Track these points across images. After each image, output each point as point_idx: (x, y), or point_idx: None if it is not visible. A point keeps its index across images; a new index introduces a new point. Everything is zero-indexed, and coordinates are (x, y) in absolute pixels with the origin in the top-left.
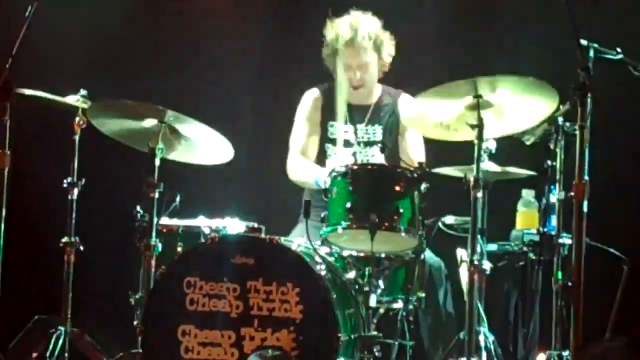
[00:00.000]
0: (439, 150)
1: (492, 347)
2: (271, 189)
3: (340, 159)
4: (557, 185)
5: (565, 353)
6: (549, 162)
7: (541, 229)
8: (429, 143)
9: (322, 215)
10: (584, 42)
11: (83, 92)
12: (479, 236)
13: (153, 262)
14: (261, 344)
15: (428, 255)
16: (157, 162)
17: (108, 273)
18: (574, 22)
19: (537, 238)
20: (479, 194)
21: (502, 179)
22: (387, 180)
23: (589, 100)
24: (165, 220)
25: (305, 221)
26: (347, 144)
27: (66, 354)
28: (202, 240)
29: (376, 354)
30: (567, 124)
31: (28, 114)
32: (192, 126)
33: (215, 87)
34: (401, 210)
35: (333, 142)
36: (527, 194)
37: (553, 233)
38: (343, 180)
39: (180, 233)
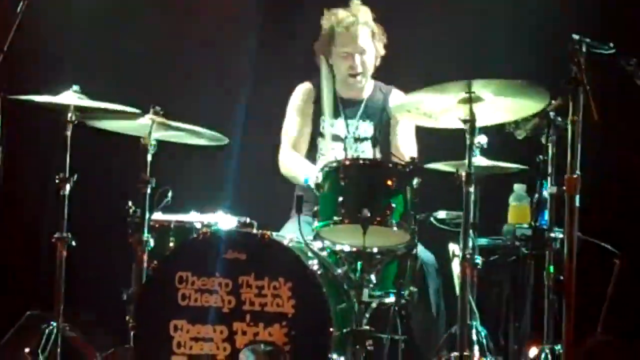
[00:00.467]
0: (430, 145)
1: (484, 341)
2: (263, 184)
3: (333, 154)
4: (548, 179)
5: (557, 347)
6: (541, 157)
7: (533, 223)
8: (421, 138)
9: (314, 210)
10: (576, 36)
11: (75, 87)
12: (470, 231)
13: (145, 258)
14: (253, 338)
15: (420, 250)
16: (150, 157)
17: (100, 268)
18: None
19: (529, 232)
20: (471, 189)
21: (494, 173)
22: (379, 175)
23: (580, 94)
24: (157, 216)
25: (297, 216)
26: (336, 138)
27: (58, 350)
28: (194, 235)
29: (368, 348)
30: (559, 118)
31: (19, 110)
32: (183, 125)
33: (208, 81)
34: (393, 205)
35: (324, 136)
36: (519, 188)
37: (545, 227)
38: (335, 175)
39: (172, 228)
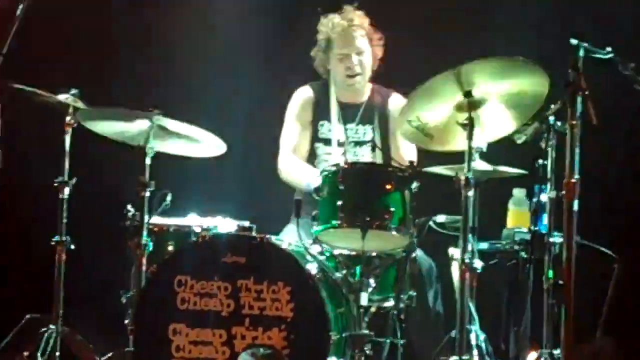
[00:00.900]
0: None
1: (483, 346)
2: (262, 188)
3: (334, 159)
4: (548, 184)
5: (557, 351)
6: (540, 161)
7: (532, 227)
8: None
9: (313, 213)
10: (574, 41)
11: (74, 91)
12: (470, 235)
13: (144, 261)
14: (252, 342)
15: (419, 254)
16: (148, 161)
17: (99, 272)
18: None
19: (528, 237)
20: (470, 193)
21: (493, 177)
22: (378, 179)
23: (579, 99)
24: (156, 219)
25: (297, 220)
26: (337, 143)
27: (57, 353)
28: (193, 239)
29: (367, 352)
30: (558, 122)
31: (19, 113)
32: (182, 125)
33: (208, 85)
34: (392, 209)
35: (323, 141)
36: (518, 192)
37: (544, 232)
38: (334, 179)
39: (171, 232)
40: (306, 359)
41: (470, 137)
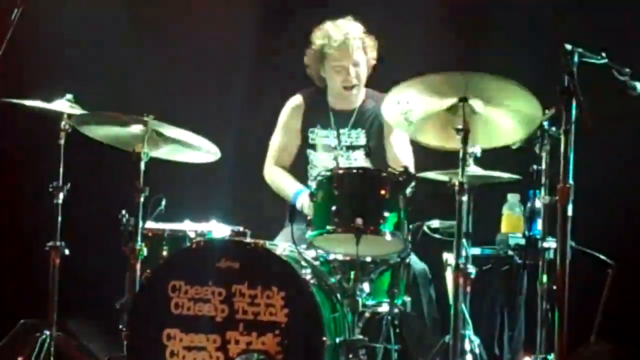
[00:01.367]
0: (424, 154)
1: (477, 351)
2: (257, 193)
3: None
4: (542, 189)
5: (550, 356)
6: (534, 166)
7: (526, 233)
8: (415, 146)
9: (307, 219)
10: (568, 46)
11: (69, 96)
12: (464, 240)
13: (138, 266)
14: (246, 347)
15: (412, 259)
16: (143, 166)
17: (94, 277)
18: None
19: (522, 242)
20: (464, 198)
21: (488, 183)
22: (372, 184)
23: (573, 104)
24: (150, 225)
25: (291, 225)
26: (328, 148)
27: (52, 358)
28: (188, 244)
29: (361, 358)
30: (552, 128)
31: (13, 117)
32: (177, 131)
33: (202, 90)
34: (386, 214)
35: (314, 147)
36: (513, 197)
37: (538, 237)
38: (328, 184)
39: (165, 237)
40: None
41: (464, 143)
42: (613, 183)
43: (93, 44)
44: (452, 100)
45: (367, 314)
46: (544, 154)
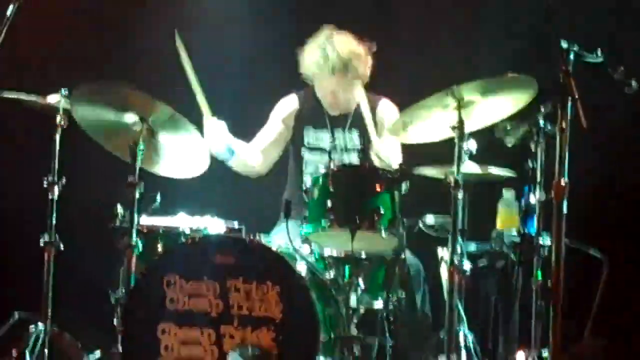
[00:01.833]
0: (419, 151)
1: (471, 346)
2: (252, 188)
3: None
4: (537, 186)
5: (545, 352)
6: (530, 164)
7: (521, 229)
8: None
9: (302, 214)
10: (564, 44)
11: (64, 91)
12: (459, 236)
13: (133, 261)
14: (241, 342)
15: (407, 255)
16: (138, 162)
17: (88, 272)
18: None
19: (517, 238)
20: (460, 195)
21: (483, 180)
22: (367, 181)
23: (568, 102)
24: (145, 220)
25: (286, 221)
26: (321, 149)
27: (46, 352)
28: (183, 239)
29: (356, 353)
30: (548, 125)
31: (7, 112)
32: (173, 129)
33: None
34: (382, 211)
35: (309, 148)
36: (508, 194)
37: (533, 234)
38: (324, 180)
39: (160, 232)
40: None
41: (460, 139)
42: (605, 178)
43: (89, 39)
44: (448, 101)
45: (361, 310)
46: (539, 151)
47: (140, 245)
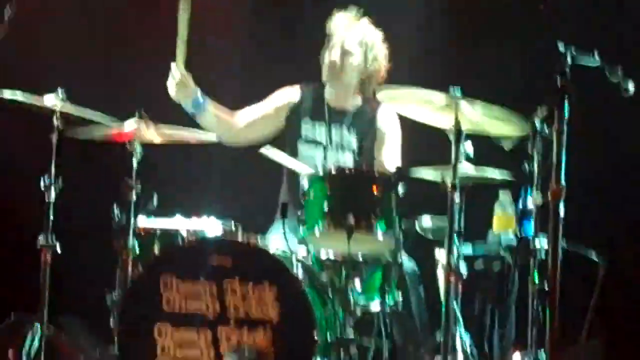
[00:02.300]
0: (415, 152)
1: (468, 348)
2: (249, 188)
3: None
4: (534, 188)
5: (541, 354)
6: (526, 166)
7: (518, 232)
8: (407, 141)
9: (299, 216)
10: (561, 46)
11: (61, 92)
12: (455, 238)
13: (130, 263)
14: (238, 343)
15: (403, 258)
16: (135, 162)
17: (85, 273)
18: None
19: (514, 241)
20: (456, 197)
21: (480, 182)
22: (364, 183)
23: (566, 104)
24: (142, 221)
25: (282, 222)
26: (316, 143)
27: (42, 353)
28: (179, 240)
29: (353, 355)
30: (545, 128)
31: (4, 114)
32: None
33: (196, 84)
34: (378, 212)
35: (305, 140)
36: (504, 195)
37: (530, 237)
38: (320, 182)
39: (157, 234)
40: None
41: (457, 143)
42: (602, 181)
43: (86, 39)
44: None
45: (358, 312)
46: (535, 154)
47: (136, 246)
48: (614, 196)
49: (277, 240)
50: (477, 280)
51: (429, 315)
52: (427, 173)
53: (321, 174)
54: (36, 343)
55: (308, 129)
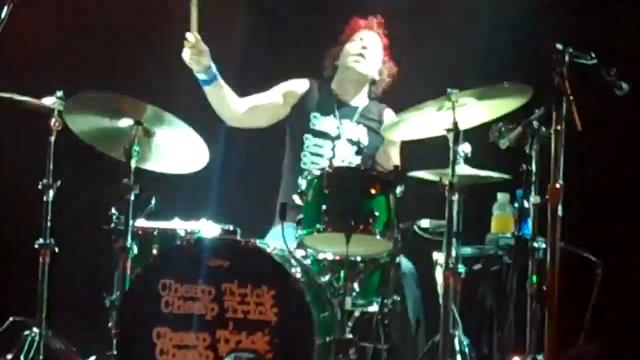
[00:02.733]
0: (414, 154)
1: (466, 351)
2: (247, 190)
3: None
4: (532, 189)
5: (540, 356)
6: (524, 166)
7: (516, 233)
8: (406, 146)
9: (297, 217)
10: (559, 46)
11: (59, 93)
12: (454, 240)
13: (128, 264)
14: (236, 346)
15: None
16: (133, 164)
17: (83, 275)
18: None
19: (512, 242)
20: (454, 198)
21: (478, 183)
22: (362, 184)
23: (563, 104)
24: (140, 223)
25: (281, 224)
26: (325, 136)
27: (41, 356)
28: (178, 242)
29: (351, 357)
30: (542, 128)
31: (2, 115)
32: (169, 128)
33: (192, 86)
34: (377, 214)
35: (313, 132)
36: (502, 197)
37: (528, 237)
38: (319, 183)
39: (155, 235)
40: None
41: (455, 142)
42: (600, 181)
43: (85, 41)
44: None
45: (356, 313)
46: (533, 154)
47: (135, 248)
48: (613, 196)
49: (276, 242)
50: (475, 282)
51: (427, 317)
52: (425, 174)
53: (319, 173)
54: (34, 346)
55: (317, 121)
